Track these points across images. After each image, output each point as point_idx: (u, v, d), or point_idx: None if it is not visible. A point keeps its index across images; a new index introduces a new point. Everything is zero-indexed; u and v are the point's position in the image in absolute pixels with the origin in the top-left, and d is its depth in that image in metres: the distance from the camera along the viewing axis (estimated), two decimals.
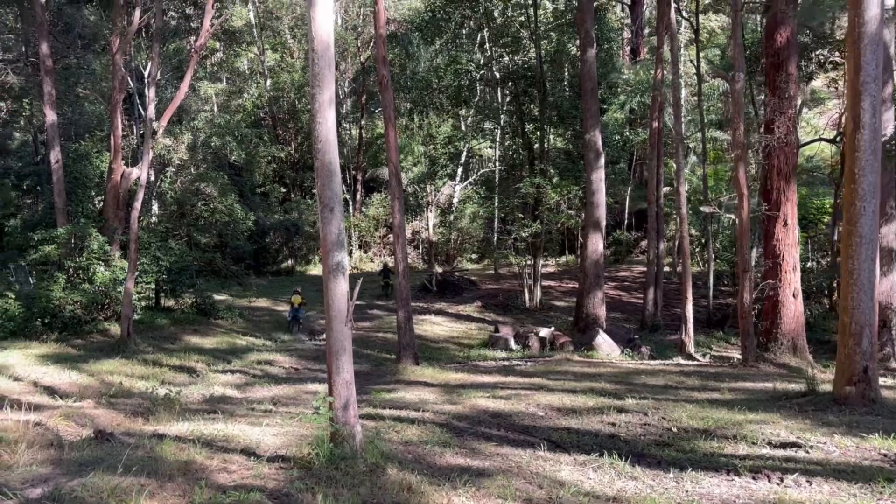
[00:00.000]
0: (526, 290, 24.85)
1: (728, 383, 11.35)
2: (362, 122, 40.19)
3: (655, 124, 21.24)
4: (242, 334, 19.88)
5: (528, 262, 25.40)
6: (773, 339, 14.06)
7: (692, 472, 6.41)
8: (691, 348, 15.28)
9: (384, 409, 9.54)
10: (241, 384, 13.34)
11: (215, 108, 37.82)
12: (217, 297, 23.98)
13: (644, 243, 39.95)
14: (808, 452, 7.10)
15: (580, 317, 20.13)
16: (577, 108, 23.58)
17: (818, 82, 32.19)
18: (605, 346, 16.73)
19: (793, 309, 14.04)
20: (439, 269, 31.11)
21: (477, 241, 37.67)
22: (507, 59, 26.95)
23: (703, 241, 34.72)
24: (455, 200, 35.51)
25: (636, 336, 18.87)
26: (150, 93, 16.86)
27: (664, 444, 7.63)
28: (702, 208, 21.50)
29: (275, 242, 36.58)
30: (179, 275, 20.65)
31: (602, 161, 19.66)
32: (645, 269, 33.82)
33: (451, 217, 34.53)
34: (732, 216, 29.94)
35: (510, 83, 26.55)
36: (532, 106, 26.18)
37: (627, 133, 31.85)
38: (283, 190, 41.20)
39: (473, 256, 38.35)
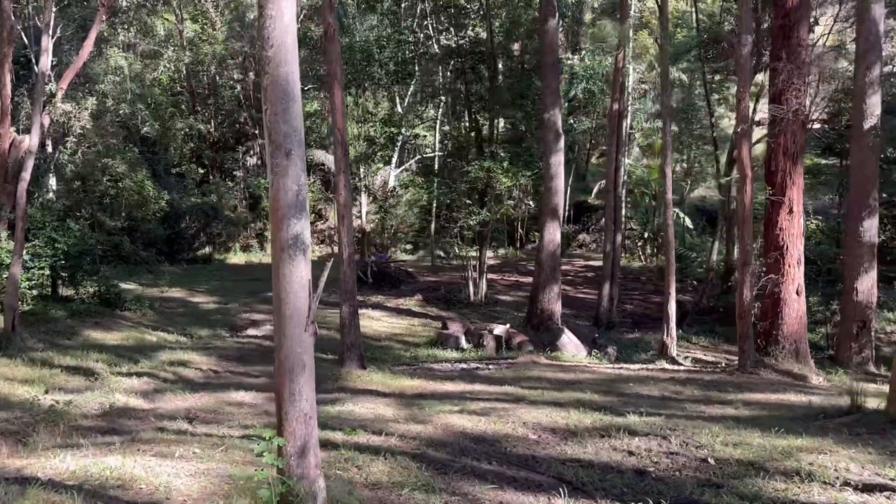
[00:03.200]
0: (470, 283, 22.97)
1: (735, 394, 9.75)
2: None
3: (616, 106, 19.66)
4: (153, 329, 17.30)
5: (474, 254, 23.57)
6: (774, 343, 12.58)
7: None
8: (674, 351, 13.71)
9: (333, 430, 7.50)
10: (150, 391, 10.95)
11: (128, 81, 34.45)
12: (124, 286, 21.13)
13: (582, 236, 39.09)
14: None
15: (534, 312, 18.38)
16: (530, 88, 21.82)
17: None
18: (571, 347, 15.00)
19: (796, 308, 12.60)
20: (373, 259, 28.95)
21: (413, 231, 35.61)
22: (452, 33, 24.93)
23: (644, 235, 33.93)
24: (391, 186, 33.35)
25: (597, 335, 17.30)
26: (44, 41, 14.11)
27: (712, 485, 5.86)
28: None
29: (191, 227, 33.45)
30: (79, 260, 17.81)
31: (562, 143, 17.94)
32: (586, 263, 32.85)
33: (387, 204, 32.32)
34: (677, 209, 29.16)
35: (455, 60, 24.55)
36: (479, 85, 24.28)
37: (571, 122, 30.35)
38: (202, 171, 37.95)
39: (408, 247, 36.30)
